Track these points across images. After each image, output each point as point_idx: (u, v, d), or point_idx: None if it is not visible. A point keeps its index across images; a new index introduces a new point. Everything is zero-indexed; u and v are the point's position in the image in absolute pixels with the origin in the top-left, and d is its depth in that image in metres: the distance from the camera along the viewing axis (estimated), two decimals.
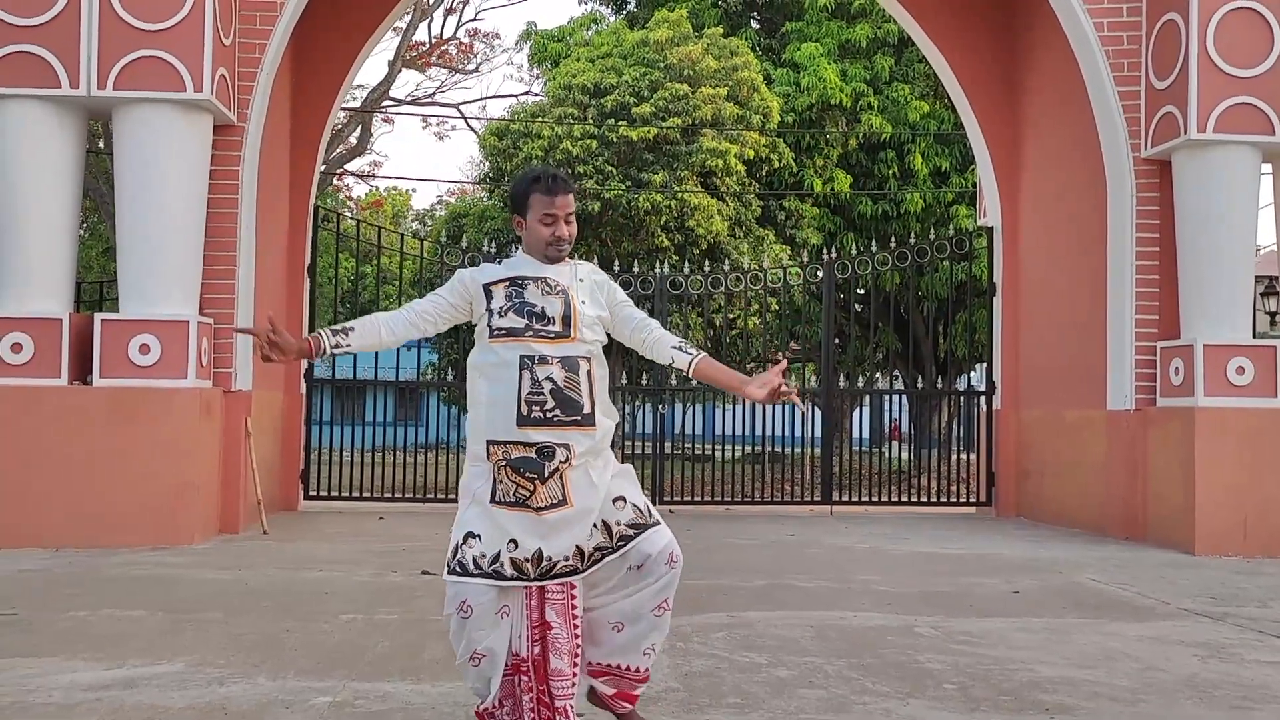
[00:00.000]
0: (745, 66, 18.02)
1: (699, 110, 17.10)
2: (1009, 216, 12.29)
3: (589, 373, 3.62)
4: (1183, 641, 5.57)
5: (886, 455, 18.40)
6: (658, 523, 3.67)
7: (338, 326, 3.69)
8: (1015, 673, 4.85)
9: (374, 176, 30.83)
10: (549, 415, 3.52)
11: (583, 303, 3.66)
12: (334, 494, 11.99)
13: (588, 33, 20.89)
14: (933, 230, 17.50)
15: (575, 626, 3.58)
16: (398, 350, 14.65)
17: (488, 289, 3.67)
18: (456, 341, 16.78)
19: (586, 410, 3.58)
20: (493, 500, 3.55)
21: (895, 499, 13.46)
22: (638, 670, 3.70)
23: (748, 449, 15.49)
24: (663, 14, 18.90)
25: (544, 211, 3.65)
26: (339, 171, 25.44)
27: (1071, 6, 9.81)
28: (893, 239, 13.33)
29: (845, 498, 12.85)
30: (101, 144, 16.16)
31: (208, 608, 6.04)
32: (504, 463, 3.53)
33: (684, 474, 13.83)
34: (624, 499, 3.64)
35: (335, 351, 3.66)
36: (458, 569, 3.52)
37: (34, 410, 8.39)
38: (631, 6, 22.75)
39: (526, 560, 3.51)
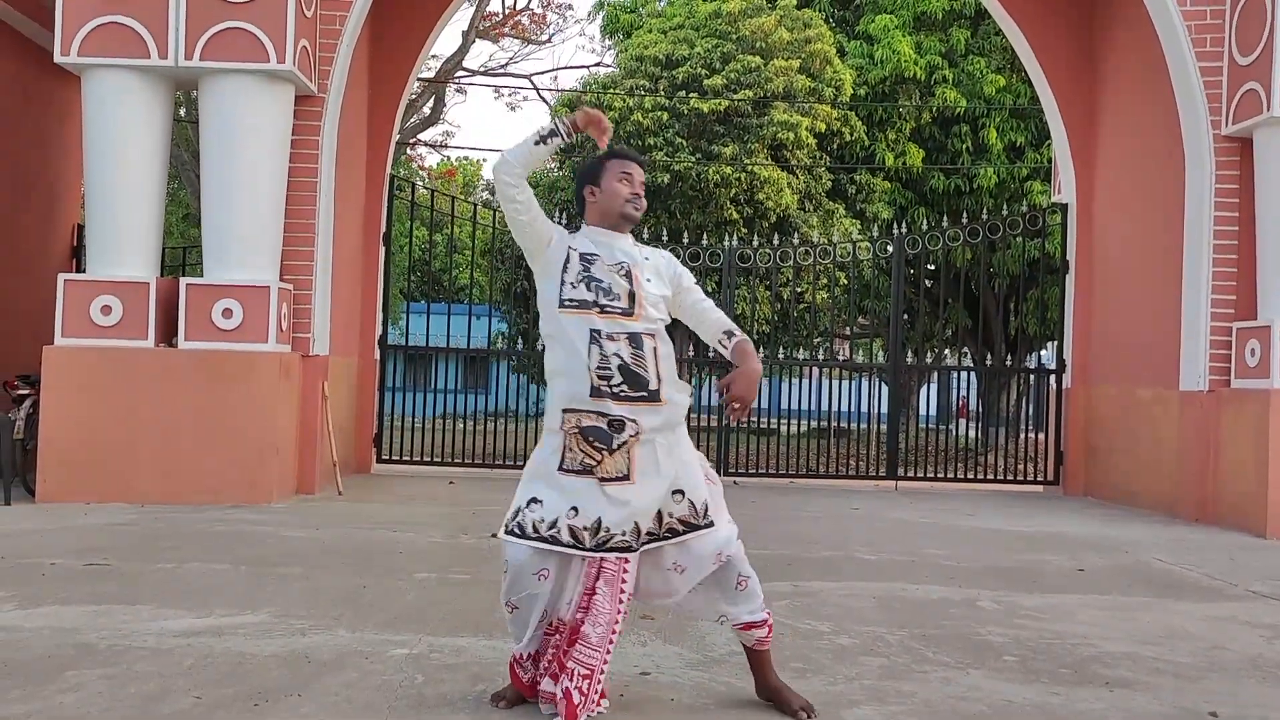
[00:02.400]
0: (818, 39, 17.92)
1: (771, 83, 17.05)
2: (1084, 193, 12.14)
3: (654, 349, 3.69)
4: (1250, 622, 5.55)
5: (953, 433, 18.30)
6: (710, 524, 3.72)
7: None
8: (1077, 647, 4.89)
9: (446, 146, 31.18)
10: (616, 390, 3.60)
11: (648, 280, 3.73)
12: (406, 458, 12.28)
13: (660, 4, 20.89)
14: (1006, 206, 17.28)
15: (620, 601, 3.64)
16: (468, 319, 14.71)
17: (569, 253, 3.74)
18: (525, 311, 16.97)
19: (653, 386, 3.66)
20: (560, 468, 3.66)
21: (961, 476, 13.42)
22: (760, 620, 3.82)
23: (813, 423, 15.51)
24: None
25: (621, 170, 3.77)
26: (412, 141, 25.71)
27: None
28: (965, 214, 13.24)
29: (911, 474, 12.86)
30: (182, 112, 16.52)
31: (288, 564, 6.27)
32: (576, 430, 3.63)
33: (749, 447, 13.91)
34: (683, 493, 3.70)
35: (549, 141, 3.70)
36: (516, 530, 3.64)
37: (122, 371, 8.71)
38: None
39: (585, 529, 3.60)
